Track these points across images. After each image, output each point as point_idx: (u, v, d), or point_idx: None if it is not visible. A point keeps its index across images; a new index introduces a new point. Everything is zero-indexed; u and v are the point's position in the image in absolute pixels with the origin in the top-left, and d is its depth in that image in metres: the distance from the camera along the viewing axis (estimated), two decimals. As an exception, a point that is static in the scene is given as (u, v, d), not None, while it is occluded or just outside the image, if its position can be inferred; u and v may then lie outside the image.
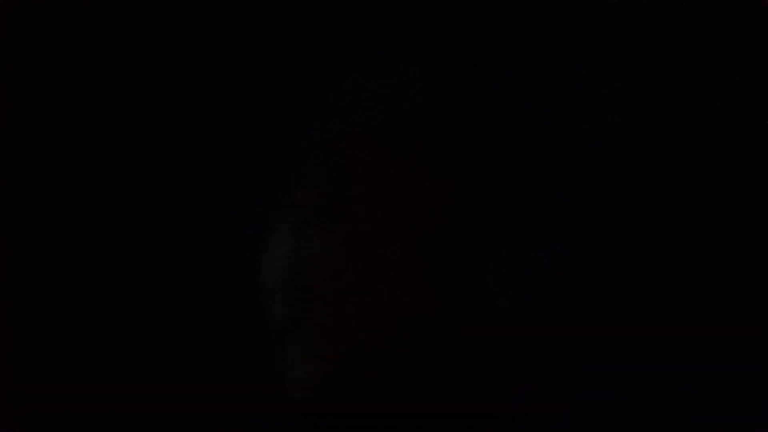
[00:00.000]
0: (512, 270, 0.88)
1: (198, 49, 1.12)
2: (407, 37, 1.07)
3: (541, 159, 1.02)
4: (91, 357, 1.08)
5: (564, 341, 0.94)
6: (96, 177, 1.11)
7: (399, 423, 0.81)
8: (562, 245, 1.00)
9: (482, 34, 1.06)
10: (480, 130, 0.93)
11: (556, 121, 1.03)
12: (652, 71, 1.03)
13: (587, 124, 1.03)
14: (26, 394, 1.06)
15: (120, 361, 1.08)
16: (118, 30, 1.12)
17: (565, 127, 1.03)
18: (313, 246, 0.83)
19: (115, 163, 1.11)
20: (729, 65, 1.02)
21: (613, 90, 1.04)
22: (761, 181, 1.00)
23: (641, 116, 1.03)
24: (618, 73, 1.04)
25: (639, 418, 0.95)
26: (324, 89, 0.92)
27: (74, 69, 1.12)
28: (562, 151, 1.02)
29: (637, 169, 1.02)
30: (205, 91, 1.12)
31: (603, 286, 1.00)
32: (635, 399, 0.96)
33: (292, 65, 1.11)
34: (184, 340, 1.08)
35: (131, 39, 1.12)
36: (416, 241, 0.83)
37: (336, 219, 0.83)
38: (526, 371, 0.87)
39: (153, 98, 1.12)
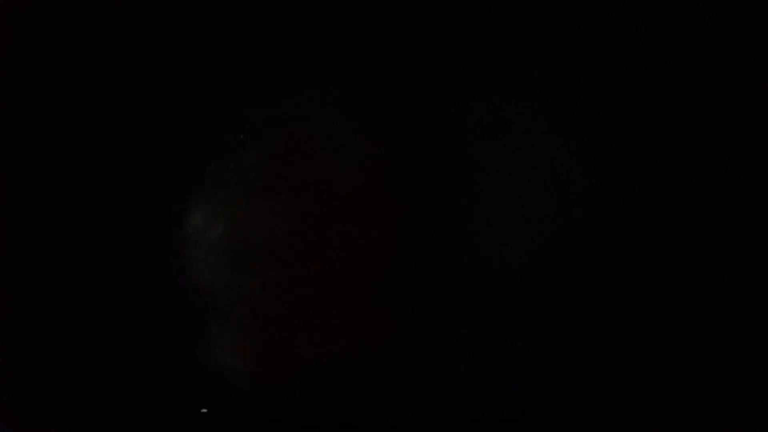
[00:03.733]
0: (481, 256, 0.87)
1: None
2: (407, 36, 1.07)
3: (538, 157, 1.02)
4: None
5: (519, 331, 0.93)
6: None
7: (342, 408, 0.78)
8: (559, 246, 1.00)
9: (482, 33, 1.06)
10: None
11: (556, 120, 1.03)
12: (652, 71, 1.03)
13: (587, 124, 1.03)
14: (26, 393, 1.06)
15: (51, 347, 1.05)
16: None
17: (564, 126, 1.03)
18: (256, 214, 0.79)
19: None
20: (729, 65, 1.02)
21: (613, 90, 1.04)
22: (761, 181, 1.00)
23: (641, 116, 1.03)
24: (618, 73, 1.04)
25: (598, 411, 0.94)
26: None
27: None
28: (561, 150, 1.03)
29: (637, 169, 1.02)
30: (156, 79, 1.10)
31: (594, 285, 1.00)
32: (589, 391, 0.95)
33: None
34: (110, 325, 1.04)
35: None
36: (365, 219, 0.80)
37: (280, 189, 0.80)
38: (474, 356, 0.86)
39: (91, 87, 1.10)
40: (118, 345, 1.01)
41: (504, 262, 0.96)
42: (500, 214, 0.98)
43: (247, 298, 0.79)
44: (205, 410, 0.82)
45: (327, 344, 0.79)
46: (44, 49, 1.09)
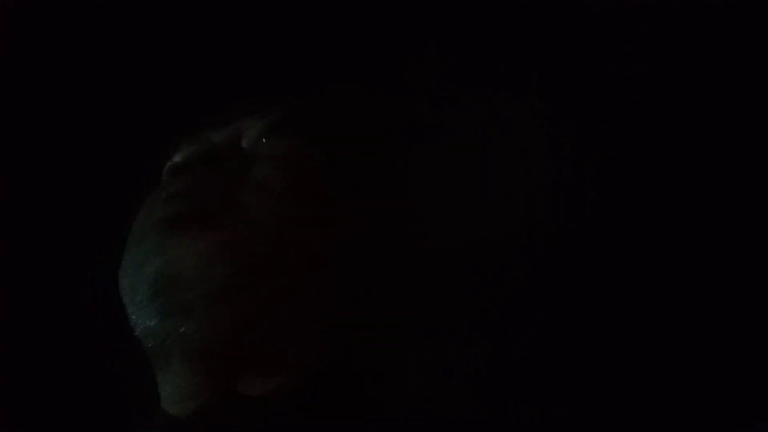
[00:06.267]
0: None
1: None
2: (405, 37, 1.08)
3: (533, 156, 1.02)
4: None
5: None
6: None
7: None
8: (565, 249, 1.00)
9: (482, 33, 1.06)
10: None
11: (556, 120, 1.03)
12: (652, 71, 1.03)
13: (587, 124, 1.03)
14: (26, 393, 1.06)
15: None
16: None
17: (564, 126, 1.03)
18: (187, 253, 0.75)
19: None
20: (729, 65, 1.02)
21: (613, 90, 1.04)
22: (761, 181, 1.00)
23: (641, 116, 1.03)
24: (618, 73, 1.04)
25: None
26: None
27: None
28: (561, 149, 1.03)
29: (637, 169, 1.02)
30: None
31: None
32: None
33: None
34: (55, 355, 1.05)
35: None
36: (302, 248, 0.78)
37: (212, 225, 0.76)
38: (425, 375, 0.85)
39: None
40: (120, 344, 1.01)
41: (499, 264, 0.96)
42: (497, 214, 0.98)
43: (186, 339, 0.76)
44: None
45: (273, 377, 0.76)
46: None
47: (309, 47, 1.08)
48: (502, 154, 1.02)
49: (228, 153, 0.83)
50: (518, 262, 0.98)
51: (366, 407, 0.76)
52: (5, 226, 1.09)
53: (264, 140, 0.83)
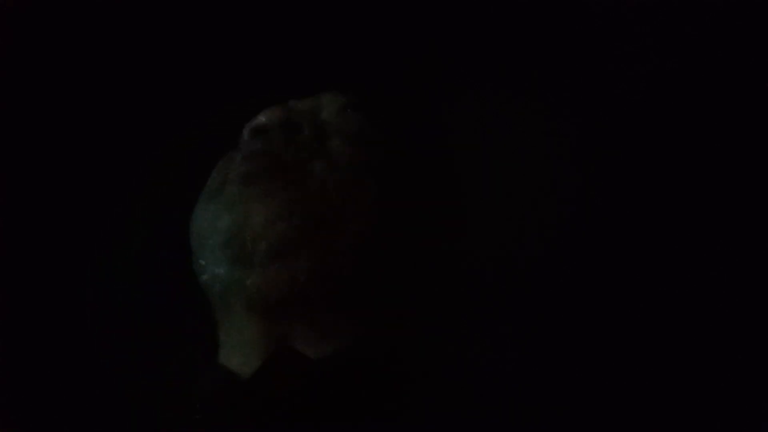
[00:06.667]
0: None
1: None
2: (406, 37, 1.08)
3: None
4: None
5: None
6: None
7: (341, 406, 0.77)
8: (565, 248, 1.00)
9: (482, 33, 1.06)
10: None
11: (556, 120, 1.03)
12: (652, 71, 1.03)
13: (587, 124, 1.03)
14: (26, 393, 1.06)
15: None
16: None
17: (564, 126, 1.03)
18: (256, 208, 0.81)
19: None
20: (729, 65, 1.02)
21: (613, 90, 1.04)
22: (761, 181, 1.00)
23: (641, 116, 1.03)
24: (618, 73, 1.04)
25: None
26: None
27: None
28: (561, 150, 1.03)
29: (637, 169, 1.02)
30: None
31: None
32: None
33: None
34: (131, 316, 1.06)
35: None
36: (362, 217, 0.82)
37: (281, 185, 0.82)
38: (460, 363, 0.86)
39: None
40: (120, 344, 1.02)
41: (502, 263, 0.96)
42: (497, 214, 0.98)
43: (247, 289, 0.80)
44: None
45: (326, 339, 0.79)
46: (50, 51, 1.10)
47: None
48: (502, 154, 1.02)
49: (306, 122, 0.86)
50: (518, 262, 0.98)
51: (419, 383, 0.79)
52: (5, 226, 1.09)
53: (341, 115, 0.87)
